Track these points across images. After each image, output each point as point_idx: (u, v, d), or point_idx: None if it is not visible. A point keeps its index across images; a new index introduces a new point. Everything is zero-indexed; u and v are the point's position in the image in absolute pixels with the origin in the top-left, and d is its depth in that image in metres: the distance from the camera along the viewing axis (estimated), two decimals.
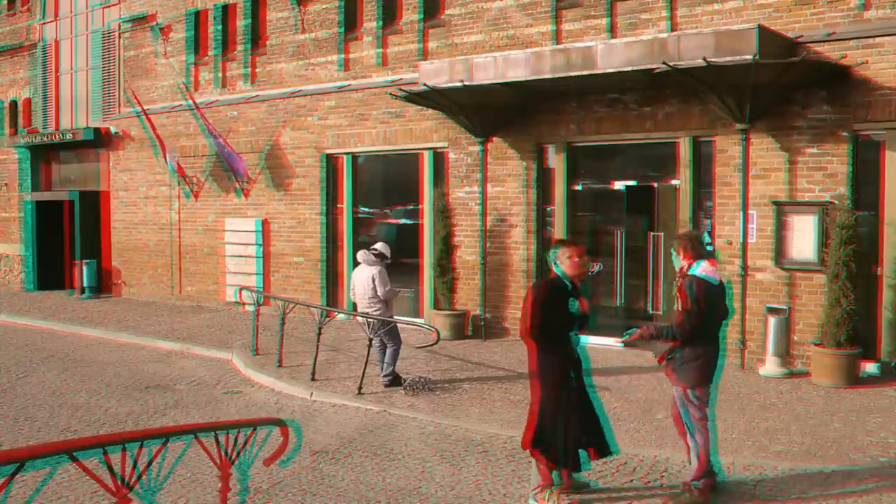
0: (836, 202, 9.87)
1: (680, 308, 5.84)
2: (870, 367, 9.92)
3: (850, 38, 9.92)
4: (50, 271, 21.33)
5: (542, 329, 5.71)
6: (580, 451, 5.82)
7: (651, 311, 11.76)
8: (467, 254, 13.35)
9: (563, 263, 5.87)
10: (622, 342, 6.52)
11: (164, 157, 17.25)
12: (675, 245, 6.11)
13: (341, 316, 13.90)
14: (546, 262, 12.47)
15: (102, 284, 19.71)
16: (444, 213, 13.17)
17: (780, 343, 10.09)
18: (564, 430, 5.74)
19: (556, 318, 5.74)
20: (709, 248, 6.52)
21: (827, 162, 10.14)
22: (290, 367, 10.80)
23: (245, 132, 16.53)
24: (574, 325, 5.85)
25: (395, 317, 10.33)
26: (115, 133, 19.31)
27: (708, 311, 5.84)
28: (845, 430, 7.66)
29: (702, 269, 5.91)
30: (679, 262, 6.04)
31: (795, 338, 10.31)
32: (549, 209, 12.70)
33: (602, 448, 5.93)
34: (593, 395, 6.10)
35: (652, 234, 11.81)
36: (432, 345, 10.00)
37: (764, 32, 9.72)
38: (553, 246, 6.04)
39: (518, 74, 11.36)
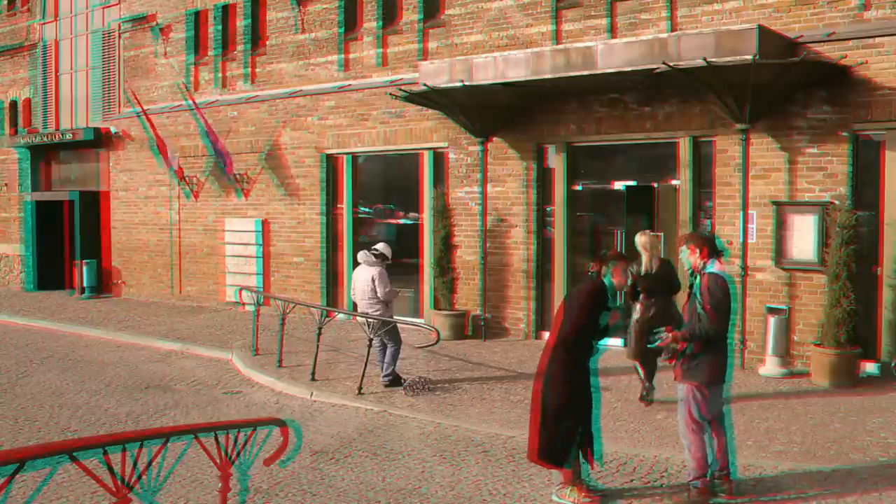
0: (836, 202, 9.86)
1: (706, 307, 5.79)
2: (870, 367, 9.92)
3: (850, 38, 9.91)
4: (50, 271, 21.33)
5: (578, 334, 6.00)
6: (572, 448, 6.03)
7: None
8: (467, 254, 13.35)
9: (616, 275, 6.13)
10: (650, 347, 6.56)
11: (166, 158, 17.22)
12: (690, 243, 6.10)
13: (341, 316, 13.90)
14: (545, 263, 12.58)
15: (102, 284, 19.71)
16: (443, 213, 13.17)
17: (779, 343, 10.09)
18: (569, 429, 5.89)
19: (592, 325, 6.05)
20: (723, 247, 6.62)
21: (827, 162, 10.14)
22: (290, 367, 10.79)
23: (245, 132, 16.53)
24: (599, 335, 6.16)
25: (395, 317, 10.33)
26: (115, 133, 19.30)
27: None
28: (845, 430, 7.66)
29: (717, 266, 5.95)
30: (690, 259, 6.05)
31: (795, 338, 10.31)
32: (549, 209, 12.70)
33: (590, 455, 6.10)
34: (596, 401, 6.17)
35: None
36: (432, 345, 10.00)
37: (764, 32, 9.72)
38: (610, 260, 6.17)
39: (518, 74, 11.37)
